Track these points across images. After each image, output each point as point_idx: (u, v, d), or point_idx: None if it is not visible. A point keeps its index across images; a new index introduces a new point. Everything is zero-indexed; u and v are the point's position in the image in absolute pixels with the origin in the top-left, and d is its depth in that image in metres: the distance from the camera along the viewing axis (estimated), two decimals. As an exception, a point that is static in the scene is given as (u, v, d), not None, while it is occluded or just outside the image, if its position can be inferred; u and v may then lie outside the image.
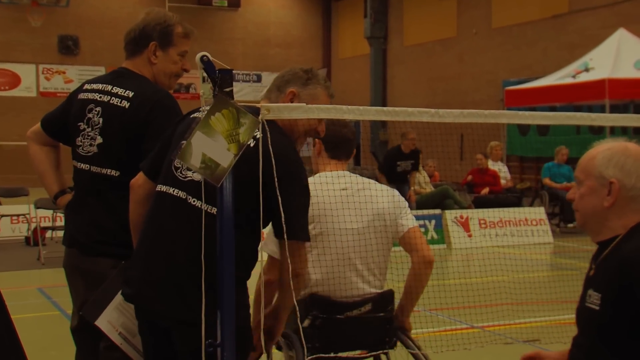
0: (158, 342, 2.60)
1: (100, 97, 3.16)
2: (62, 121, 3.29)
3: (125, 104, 3.10)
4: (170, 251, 2.52)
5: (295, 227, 2.52)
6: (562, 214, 13.33)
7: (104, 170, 3.12)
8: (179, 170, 2.57)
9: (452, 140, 15.86)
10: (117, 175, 3.09)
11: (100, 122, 3.12)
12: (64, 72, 24.16)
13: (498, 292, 6.82)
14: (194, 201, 2.51)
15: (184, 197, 2.54)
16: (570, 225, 13.28)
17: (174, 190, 2.57)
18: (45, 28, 23.42)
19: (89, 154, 3.15)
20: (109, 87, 3.17)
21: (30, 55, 23.57)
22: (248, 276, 2.60)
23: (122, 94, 3.13)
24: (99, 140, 3.12)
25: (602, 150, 2.40)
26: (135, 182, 2.78)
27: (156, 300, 2.52)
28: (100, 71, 23.89)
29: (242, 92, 23.12)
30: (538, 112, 2.85)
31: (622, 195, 2.28)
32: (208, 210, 2.47)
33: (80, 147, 3.17)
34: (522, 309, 6.96)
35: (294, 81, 2.80)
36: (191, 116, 2.70)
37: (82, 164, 3.18)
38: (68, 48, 24.15)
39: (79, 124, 3.17)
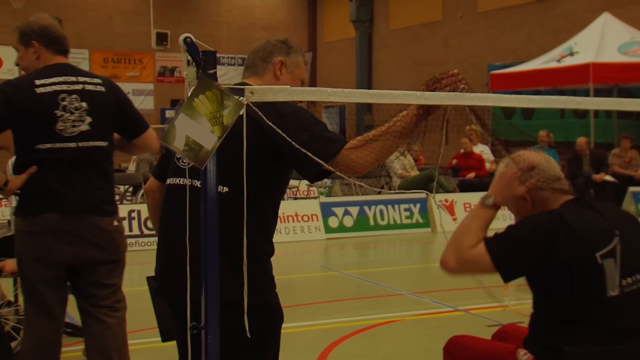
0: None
1: (69, 87, 3.65)
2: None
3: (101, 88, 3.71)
4: (183, 237, 2.49)
5: (326, 148, 2.49)
6: (546, 197, 13.40)
7: (96, 143, 3.68)
8: (180, 160, 2.64)
9: (437, 124, 15.82)
10: (106, 145, 3.71)
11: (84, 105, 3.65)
12: (46, 55, 23.91)
13: (482, 275, 6.83)
14: (199, 184, 2.48)
15: (188, 183, 2.57)
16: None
17: (179, 180, 2.64)
18: (27, 10, 23.10)
19: (74, 134, 3.62)
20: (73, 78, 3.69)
21: (12, 38, 23.27)
22: (271, 252, 2.66)
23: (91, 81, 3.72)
24: (89, 119, 3.65)
25: (538, 159, 2.77)
26: (149, 188, 2.94)
27: (179, 287, 2.47)
28: (84, 54, 23.73)
29: (227, 75, 23.00)
30: (524, 96, 2.84)
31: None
32: (219, 190, 2.44)
33: (63, 130, 3.59)
34: (507, 292, 7.00)
35: (277, 51, 2.83)
36: None
37: (67, 144, 3.62)
38: (51, 30, 23.87)
39: (55, 112, 3.60)
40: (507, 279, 2.53)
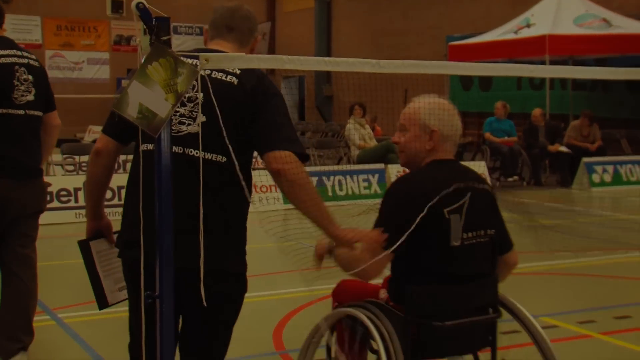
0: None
1: (19, 60, 4.12)
2: None
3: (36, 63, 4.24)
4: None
5: (291, 137, 2.63)
6: (502, 168, 13.59)
7: (36, 113, 4.18)
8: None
9: (396, 96, 15.90)
10: (42, 115, 4.24)
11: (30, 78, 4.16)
12: (-3, 22, 23.28)
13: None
14: (195, 152, 2.54)
15: (180, 152, 2.55)
16: (510, 179, 13.56)
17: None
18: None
19: (21, 102, 4.12)
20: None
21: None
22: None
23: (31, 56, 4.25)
24: (34, 91, 4.17)
25: (424, 104, 2.95)
26: (104, 148, 2.75)
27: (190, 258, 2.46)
28: (36, 21, 23.16)
29: (185, 44, 22.69)
30: (479, 64, 2.87)
31: (438, 140, 2.90)
32: (213, 158, 2.54)
33: (16, 99, 4.10)
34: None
35: (256, 26, 2.89)
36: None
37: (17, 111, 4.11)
38: (1, -3, 23.24)
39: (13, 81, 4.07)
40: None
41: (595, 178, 12.94)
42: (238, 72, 2.62)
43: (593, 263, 7.16)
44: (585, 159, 12.99)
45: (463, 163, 3.14)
